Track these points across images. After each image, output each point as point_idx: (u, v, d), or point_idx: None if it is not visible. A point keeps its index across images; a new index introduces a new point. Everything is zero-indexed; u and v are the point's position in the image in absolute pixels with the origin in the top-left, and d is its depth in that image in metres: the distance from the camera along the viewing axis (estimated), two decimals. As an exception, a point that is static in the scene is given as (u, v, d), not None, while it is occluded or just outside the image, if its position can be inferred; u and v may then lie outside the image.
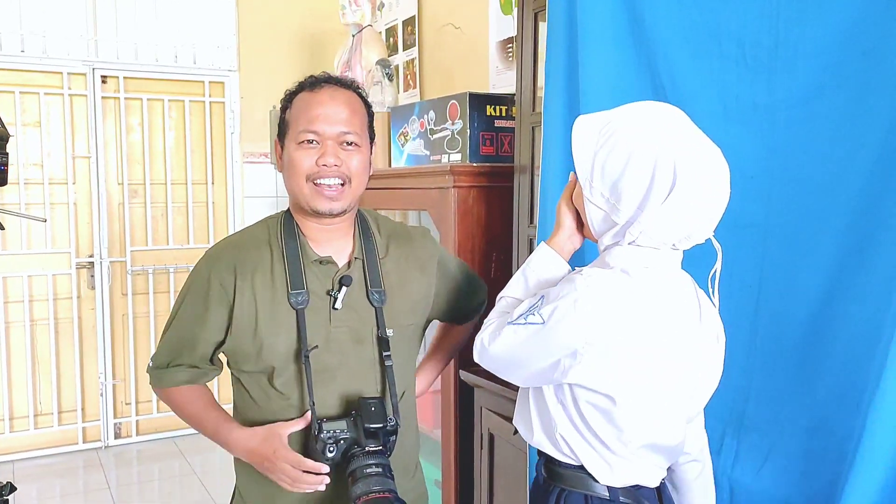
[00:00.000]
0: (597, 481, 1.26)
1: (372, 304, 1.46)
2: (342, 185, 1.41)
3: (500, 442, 2.22)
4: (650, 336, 1.19)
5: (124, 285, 4.42)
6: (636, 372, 1.19)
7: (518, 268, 2.23)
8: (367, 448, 1.32)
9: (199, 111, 4.54)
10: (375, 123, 3.06)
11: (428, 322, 1.64)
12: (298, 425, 1.38)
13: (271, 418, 1.43)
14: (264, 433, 1.39)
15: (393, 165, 2.94)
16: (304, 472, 1.33)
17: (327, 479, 1.33)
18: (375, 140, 1.54)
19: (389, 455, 1.36)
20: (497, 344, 1.26)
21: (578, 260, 1.70)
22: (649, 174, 1.14)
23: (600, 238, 1.26)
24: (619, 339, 1.17)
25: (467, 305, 1.70)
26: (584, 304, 1.16)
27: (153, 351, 1.54)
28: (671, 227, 1.17)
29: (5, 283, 4.15)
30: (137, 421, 4.45)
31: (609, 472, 1.25)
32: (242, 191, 4.60)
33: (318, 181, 1.40)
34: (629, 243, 1.20)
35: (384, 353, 1.44)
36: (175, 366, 1.48)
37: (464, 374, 2.30)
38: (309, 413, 1.38)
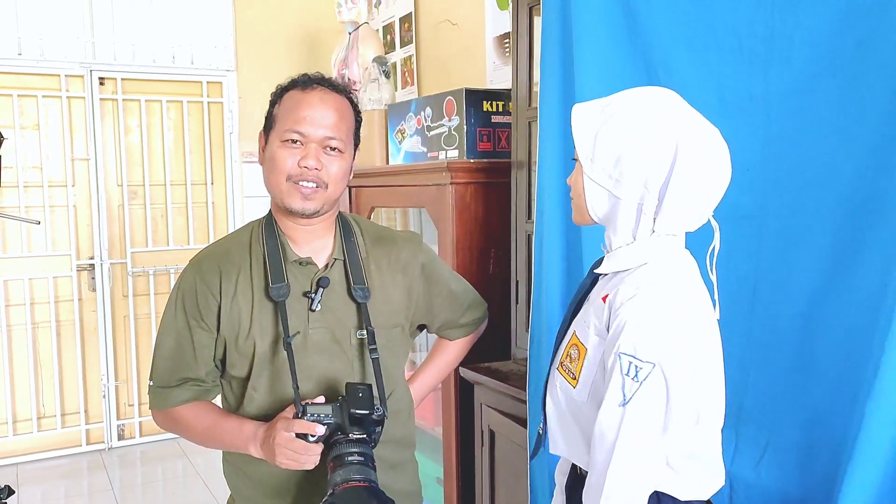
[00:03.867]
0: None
1: (355, 301, 1.45)
2: (317, 187, 1.41)
3: (500, 438, 2.22)
4: (713, 330, 1.21)
5: (125, 287, 4.42)
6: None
7: (515, 264, 2.24)
8: (350, 435, 1.30)
9: (197, 111, 4.54)
10: (373, 121, 3.09)
11: (416, 327, 1.63)
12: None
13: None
14: (273, 421, 1.38)
15: (390, 163, 2.94)
16: (298, 436, 1.30)
17: (317, 451, 1.31)
18: (360, 145, 1.53)
19: (374, 446, 1.34)
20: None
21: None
22: (651, 145, 1.15)
23: (613, 223, 1.23)
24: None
25: (458, 318, 1.69)
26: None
27: (154, 355, 1.52)
28: (691, 210, 1.18)
29: (6, 287, 4.16)
30: (140, 422, 4.45)
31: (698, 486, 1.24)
32: (242, 191, 4.60)
33: (297, 182, 1.40)
34: (651, 232, 1.20)
35: (370, 346, 1.43)
36: (180, 382, 1.47)
37: (463, 371, 2.30)
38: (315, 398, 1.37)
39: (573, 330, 1.28)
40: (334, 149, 1.41)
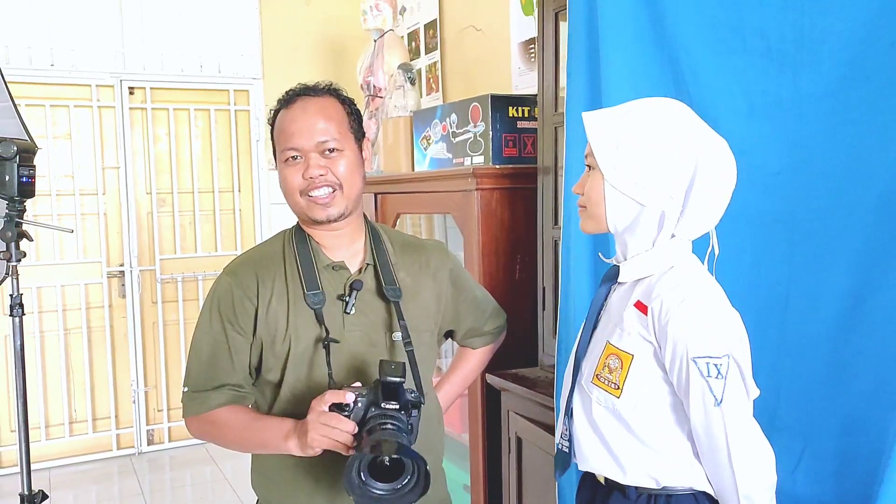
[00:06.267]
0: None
1: (388, 300, 1.46)
2: (333, 191, 1.43)
3: (527, 445, 2.21)
4: None
5: (154, 293, 4.47)
6: None
7: (542, 270, 2.23)
8: (384, 406, 1.27)
9: (224, 120, 4.59)
10: (398, 128, 3.10)
11: (443, 334, 1.64)
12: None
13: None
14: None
15: (416, 169, 2.94)
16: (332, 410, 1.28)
17: (350, 425, 1.27)
18: (367, 136, 1.54)
19: (412, 432, 1.29)
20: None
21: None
22: (674, 155, 1.19)
23: (631, 232, 1.25)
24: None
25: (481, 325, 1.70)
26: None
27: (183, 359, 1.53)
28: (709, 216, 1.23)
29: (39, 294, 4.22)
30: (169, 427, 4.50)
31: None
32: (269, 198, 4.63)
33: (310, 194, 1.42)
34: (671, 237, 1.23)
35: (405, 340, 1.44)
36: (217, 387, 1.46)
37: (490, 378, 2.29)
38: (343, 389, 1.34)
39: (604, 341, 1.28)
40: (332, 150, 1.43)
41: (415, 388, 1.36)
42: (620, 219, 1.24)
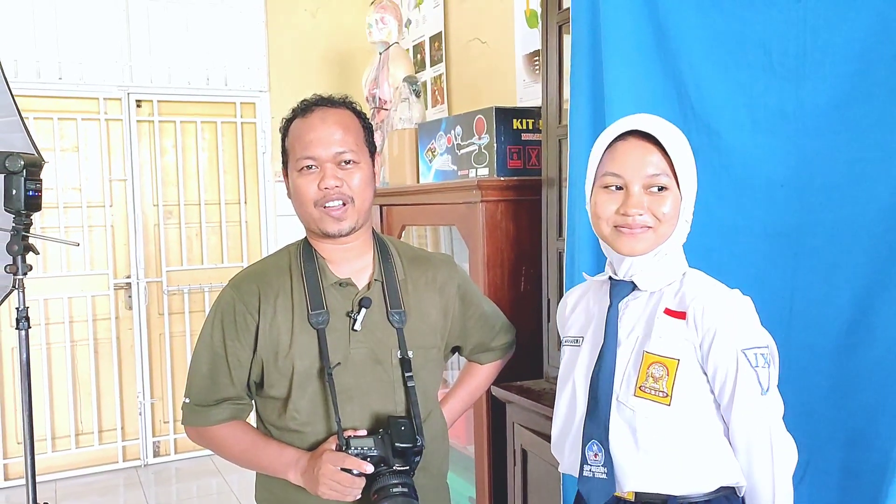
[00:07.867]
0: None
1: (392, 326, 1.46)
2: (345, 204, 1.42)
3: (532, 458, 2.20)
4: None
5: (161, 305, 4.48)
6: None
7: (547, 281, 2.23)
8: (393, 467, 1.33)
9: (230, 132, 4.61)
10: (403, 140, 3.11)
11: (450, 349, 1.64)
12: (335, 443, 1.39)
13: (296, 443, 1.45)
14: (317, 452, 1.41)
15: (421, 181, 2.95)
16: (343, 469, 1.33)
17: (361, 484, 1.34)
18: (379, 151, 1.55)
19: (413, 475, 1.36)
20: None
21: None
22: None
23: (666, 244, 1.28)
24: None
25: (489, 341, 1.69)
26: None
27: (190, 372, 1.53)
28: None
29: (46, 305, 4.24)
30: (175, 439, 4.50)
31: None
32: (275, 209, 4.65)
33: (325, 205, 1.42)
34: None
35: (406, 374, 1.44)
36: (218, 402, 1.47)
37: (495, 390, 2.29)
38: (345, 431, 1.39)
39: (640, 352, 1.25)
40: (348, 162, 1.43)
41: (417, 434, 1.40)
42: (682, 236, 1.28)
